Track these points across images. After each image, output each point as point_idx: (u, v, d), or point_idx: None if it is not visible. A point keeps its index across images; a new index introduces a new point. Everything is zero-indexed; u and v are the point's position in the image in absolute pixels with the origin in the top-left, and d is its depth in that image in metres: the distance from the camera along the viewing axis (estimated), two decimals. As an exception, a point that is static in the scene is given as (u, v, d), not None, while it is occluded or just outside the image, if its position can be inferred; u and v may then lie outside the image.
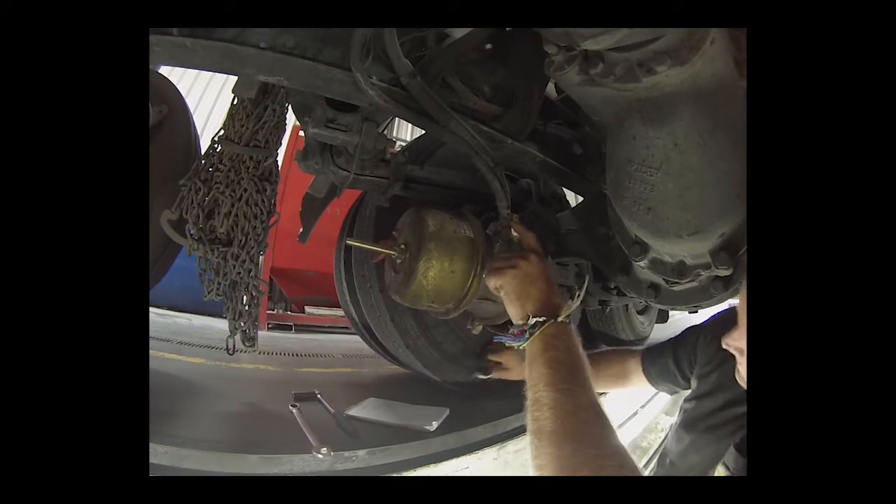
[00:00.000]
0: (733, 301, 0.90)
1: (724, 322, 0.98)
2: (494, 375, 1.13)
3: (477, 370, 1.15)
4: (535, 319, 0.71)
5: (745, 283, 0.70)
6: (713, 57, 0.57)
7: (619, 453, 0.57)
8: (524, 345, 0.71)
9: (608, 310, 1.89)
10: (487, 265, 0.83)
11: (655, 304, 0.97)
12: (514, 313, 0.76)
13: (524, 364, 0.87)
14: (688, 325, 1.07)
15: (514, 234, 0.87)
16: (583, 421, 0.59)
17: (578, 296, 0.76)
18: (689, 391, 1.00)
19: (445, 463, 1.02)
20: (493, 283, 0.80)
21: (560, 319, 0.70)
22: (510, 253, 0.82)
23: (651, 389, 1.18)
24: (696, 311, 1.09)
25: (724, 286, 0.83)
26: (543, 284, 0.76)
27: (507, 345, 0.78)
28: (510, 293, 0.77)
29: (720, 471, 0.81)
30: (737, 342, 0.73)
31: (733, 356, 0.77)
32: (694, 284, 0.87)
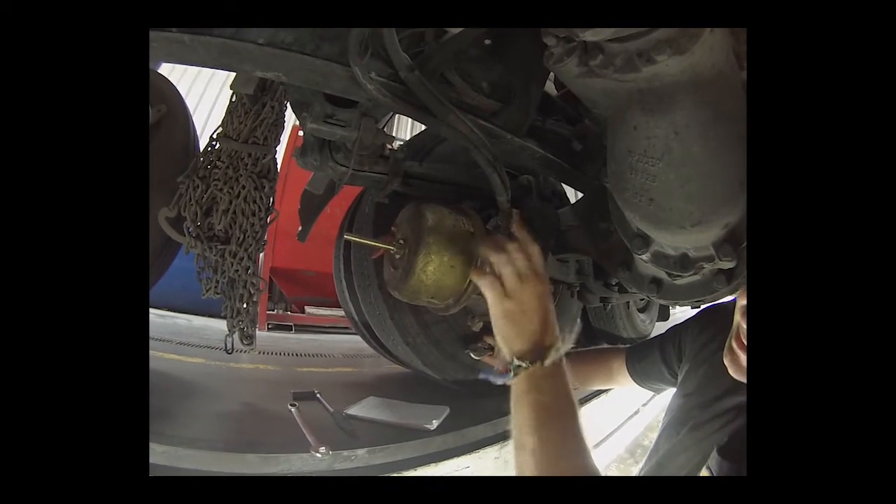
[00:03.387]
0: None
1: (710, 316, 0.98)
2: (483, 358, 1.13)
3: (471, 349, 1.15)
4: (519, 363, 0.65)
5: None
6: (713, 46, 0.57)
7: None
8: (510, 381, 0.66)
9: (609, 307, 1.89)
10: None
11: (657, 299, 0.96)
12: (502, 348, 0.69)
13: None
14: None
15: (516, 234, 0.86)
16: (563, 470, 0.60)
17: (566, 340, 0.69)
18: (675, 388, 0.99)
19: (446, 462, 1.01)
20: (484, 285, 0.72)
21: (546, 364, 0.64)
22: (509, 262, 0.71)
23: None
24: (699, 307, 1.08)
25: (728, 280, 0.82)
26: (539, 319, 0.67)
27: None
28: (499, 325, 0.68)
29: (704, 475, 0.80)
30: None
31: (722, 350, 0.77)
32: (697, 278, 0.86)
